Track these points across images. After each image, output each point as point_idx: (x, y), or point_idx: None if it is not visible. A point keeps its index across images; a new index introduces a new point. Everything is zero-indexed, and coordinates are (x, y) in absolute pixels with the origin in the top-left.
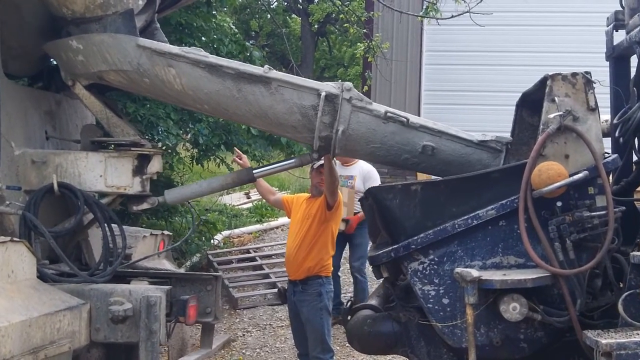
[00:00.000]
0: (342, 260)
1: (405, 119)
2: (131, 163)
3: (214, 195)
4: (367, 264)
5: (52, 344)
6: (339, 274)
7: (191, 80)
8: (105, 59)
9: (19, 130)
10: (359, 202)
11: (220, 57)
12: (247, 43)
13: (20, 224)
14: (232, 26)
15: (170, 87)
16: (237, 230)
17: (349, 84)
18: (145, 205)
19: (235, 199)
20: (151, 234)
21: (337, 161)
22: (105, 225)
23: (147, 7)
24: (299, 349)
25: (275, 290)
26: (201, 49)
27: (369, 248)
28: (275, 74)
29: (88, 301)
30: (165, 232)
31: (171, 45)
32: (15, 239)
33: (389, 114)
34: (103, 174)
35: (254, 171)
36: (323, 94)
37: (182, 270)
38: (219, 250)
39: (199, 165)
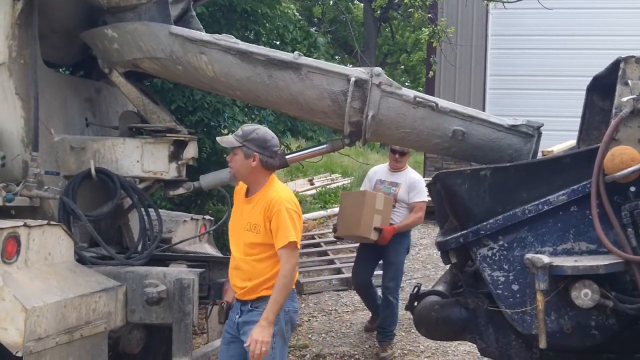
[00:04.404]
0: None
1: (434, 104)
2: (167, 149)
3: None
4: (400, 287)
5: (88, 324)
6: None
7: (223, 67)
8: (140, 47)
9: (58, 117)
10: (395, 212)
11: (250, 44)
12: (311, 30)
13: (59, 208)
14: (296, 13)
15: (203, 74)
16: None
17: (378, 69)
18: (181, 190)
19: (300, 186)
20: (192, 219)
21: (387, 166)
22: (142, 209)
23: None
24: None
25: (341, 275)
26: (232, 36)
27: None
28: (305, 59)
29: (124, 283)
30: (207, 217)
31: (203, 33)
32: (52, 222)
33: (418, 99)
34: (140, 159)
35: (287, 156)
36: (352, 79)
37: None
38: None
39: None
